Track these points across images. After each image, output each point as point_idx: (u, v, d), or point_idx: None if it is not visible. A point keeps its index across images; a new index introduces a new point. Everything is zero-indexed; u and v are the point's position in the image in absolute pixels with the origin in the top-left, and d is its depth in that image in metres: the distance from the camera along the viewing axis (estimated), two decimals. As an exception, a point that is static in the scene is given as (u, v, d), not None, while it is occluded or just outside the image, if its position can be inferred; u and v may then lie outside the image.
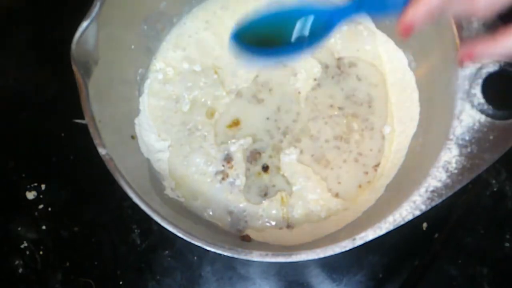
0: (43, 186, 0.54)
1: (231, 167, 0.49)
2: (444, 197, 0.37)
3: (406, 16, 0.32)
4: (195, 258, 0.52)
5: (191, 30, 0.52)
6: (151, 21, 0.49)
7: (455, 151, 0.37)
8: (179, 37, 0.52)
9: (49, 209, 0.53)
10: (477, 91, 0.37)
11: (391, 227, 0.37)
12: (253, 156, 0.49)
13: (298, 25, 0.35)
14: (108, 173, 0.38)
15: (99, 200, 0.53)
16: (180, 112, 0.50)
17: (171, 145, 0.50)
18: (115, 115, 0.44)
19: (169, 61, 0.51)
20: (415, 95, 0.47)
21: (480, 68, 0.37)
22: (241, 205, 0.48)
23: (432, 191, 0.37)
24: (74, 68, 0.38)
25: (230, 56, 0.51)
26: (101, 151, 0.39)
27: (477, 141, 0.36)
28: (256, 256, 0.38)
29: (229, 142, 0.50)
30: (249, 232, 0.47)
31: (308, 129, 0.49)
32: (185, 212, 0.47)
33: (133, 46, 0.48)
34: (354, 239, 0.37)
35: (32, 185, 0.54)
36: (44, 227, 0.53)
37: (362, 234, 0.37)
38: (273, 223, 0.48)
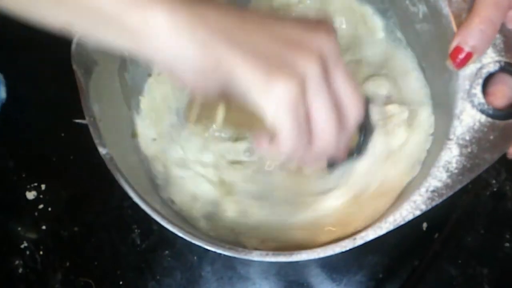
0: (43, 186, 0.54)
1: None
2: (444, 197, 0.37)
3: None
4: (195, 258, 0.52)
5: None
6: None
7: (455, 151, 0.37)
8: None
9: (49, 209, 0.53)
10: (478, 91, 0.37)
11: (391, 227, 0.37)
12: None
13: None
14: (108, 173, 0.38)
15: (99, 200, 0.53)
16: (180, 112, 0.50)
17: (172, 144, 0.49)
18: (115, 114, 0.44)
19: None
20: (415, 95, 0.47)
21: (480, 68, 0.37)
22: None
23: (433, 191, 0.37)
24: (75, 67, 0.38)
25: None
26: (102, 150, 0.39)
27: (478, 141, 0.36)
28: (256, 256, 0.38)
29: (229, 143, 0.50)
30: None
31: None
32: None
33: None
34: (354, 239, 0.37)
35: (32, 185, 0.54)
36: (44, 227, 0.53)
37: (362, 234, 0.37)
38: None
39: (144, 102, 0.50)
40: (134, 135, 0.48)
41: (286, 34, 0.29)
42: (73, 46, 0.38)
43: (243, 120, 0.29)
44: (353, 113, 0.32)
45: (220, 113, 0.29)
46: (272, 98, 0.28)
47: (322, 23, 0.31)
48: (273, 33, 0.29)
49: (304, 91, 0.28)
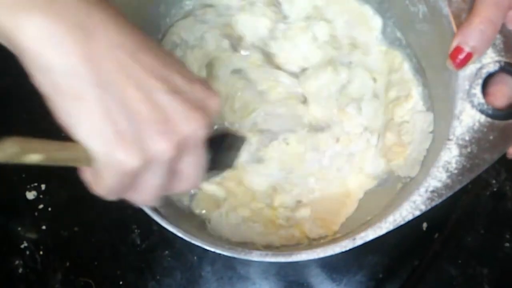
0: (43, 186, 0.54)
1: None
2: (444, 197, 0.37)
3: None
4: (195, 258, 0.52)
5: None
6: (152, 22, 0.49)
7: (455, 151, 0.37)
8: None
9: (49, 209, 0.53)
10: (477, 91, 0.37)
11: (391, 227, 0.37)
12: None
13: None
14: (108, 173, 0.38)
15: (99, 200, 0.53)
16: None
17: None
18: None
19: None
20: (415, 95, 0.47)
21: (480, 68, 0.37)
22: None
23: (432, 191, 0.37)
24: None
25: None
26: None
27: (477, 141, 0.36)
28: (256, 256, 0.38)
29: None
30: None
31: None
32: (185, 212, 0.47)
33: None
34: (354, 239, 0.37)
35: (32, 185, 0.54)
36: (44, 227, 0.53)
37: (362, 234, 0.37)
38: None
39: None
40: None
41: (163, 99, 0.26)
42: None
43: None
44: (184, 186, 0.31)
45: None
46: (107, 159, 0.26)
47: (206, 101, 0.29)
48: (150, 91, 0.26)
49: (143, 169, 0.27)
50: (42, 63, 0.24)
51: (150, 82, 0.26)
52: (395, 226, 0.37)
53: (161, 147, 0.27)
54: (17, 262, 0.52)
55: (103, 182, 0.28)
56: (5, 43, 0.25)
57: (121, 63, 0.25)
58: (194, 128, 0.28)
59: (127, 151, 0.26)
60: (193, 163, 0.30)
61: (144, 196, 0.30)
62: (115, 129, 0.25)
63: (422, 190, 0.37)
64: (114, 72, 0.25)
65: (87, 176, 0.29)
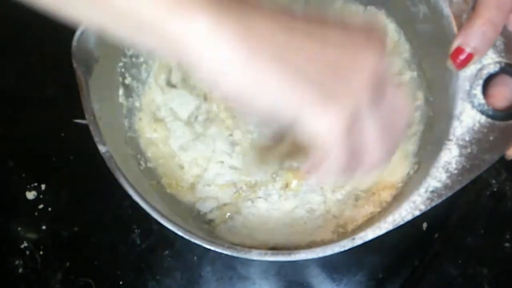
0: (43, 186, 0.54)
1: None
2: (443, 198, 0.37)
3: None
4: (195, 258, 0.52)
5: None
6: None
7: (455, 151, 0.37)
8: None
9: (49, 209, 0.54)
10: (478, 91, 0.37)
11: (390, 227, 0.37)
12: None
13: None
14: (108, 173, 0.38)
15: (99, 200, 0.53)
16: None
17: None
18: (116, 112, 0.44)
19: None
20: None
21: (480, 69, 0.37)
22: None
23: (432, 192, 0.37)
24: (75, 65, 0.38)
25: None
26: (101, 148, 0.38)
27: (477, 142, 0.36)
28: (255, 255, 0.38)
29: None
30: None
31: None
32: (185, 211, 0.47)
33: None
34: (353, 239, 0.37)
35: (32, 185, 0.54)
36: (44, 227, 0.53)
37: (362, 234, 0.37)
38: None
39: (144, 100, 0.50)
40: (134, 133, 0.48)
41: (335, 55, 0.27)
42: (74, 43, 0.38)
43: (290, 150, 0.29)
44: (401, 126, 0.31)
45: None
46: (324, 126, 0.26)
47: (371, 38, 0.29)
48: (323, 53, 0.26)
49: (356, 118, 0.27)
50: (216, 63, 0.25)
51: (315, 43, 0.27)
52: (395, 226, 0.37)
53: (357, 88, 0.27)
54: (17, 262, 0.52)
55: (330, 160, 0.29)
56: (170, 52, 0.25)
57: (283, 38, 0.26)
58: (376, 61, 0.28)
59: (334, 108, 0.27)
60: (393, 94, 0.30)
61: (373, 158, 0.30)
62: (314, 96, 0.26)
63: (421, 190, 0.37)
64: (281, 47, 0.25)
65: (315, 172, 0.30)
